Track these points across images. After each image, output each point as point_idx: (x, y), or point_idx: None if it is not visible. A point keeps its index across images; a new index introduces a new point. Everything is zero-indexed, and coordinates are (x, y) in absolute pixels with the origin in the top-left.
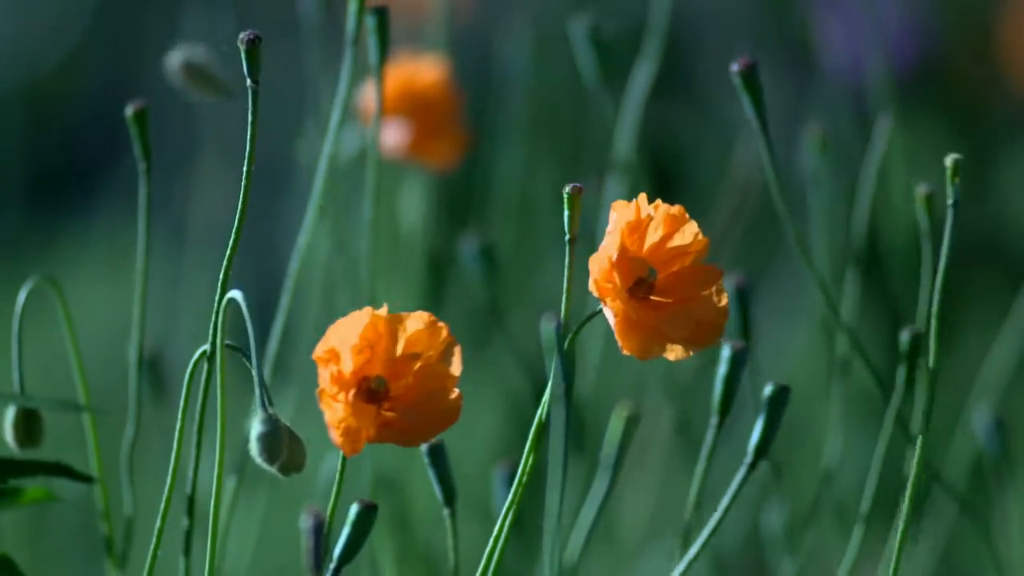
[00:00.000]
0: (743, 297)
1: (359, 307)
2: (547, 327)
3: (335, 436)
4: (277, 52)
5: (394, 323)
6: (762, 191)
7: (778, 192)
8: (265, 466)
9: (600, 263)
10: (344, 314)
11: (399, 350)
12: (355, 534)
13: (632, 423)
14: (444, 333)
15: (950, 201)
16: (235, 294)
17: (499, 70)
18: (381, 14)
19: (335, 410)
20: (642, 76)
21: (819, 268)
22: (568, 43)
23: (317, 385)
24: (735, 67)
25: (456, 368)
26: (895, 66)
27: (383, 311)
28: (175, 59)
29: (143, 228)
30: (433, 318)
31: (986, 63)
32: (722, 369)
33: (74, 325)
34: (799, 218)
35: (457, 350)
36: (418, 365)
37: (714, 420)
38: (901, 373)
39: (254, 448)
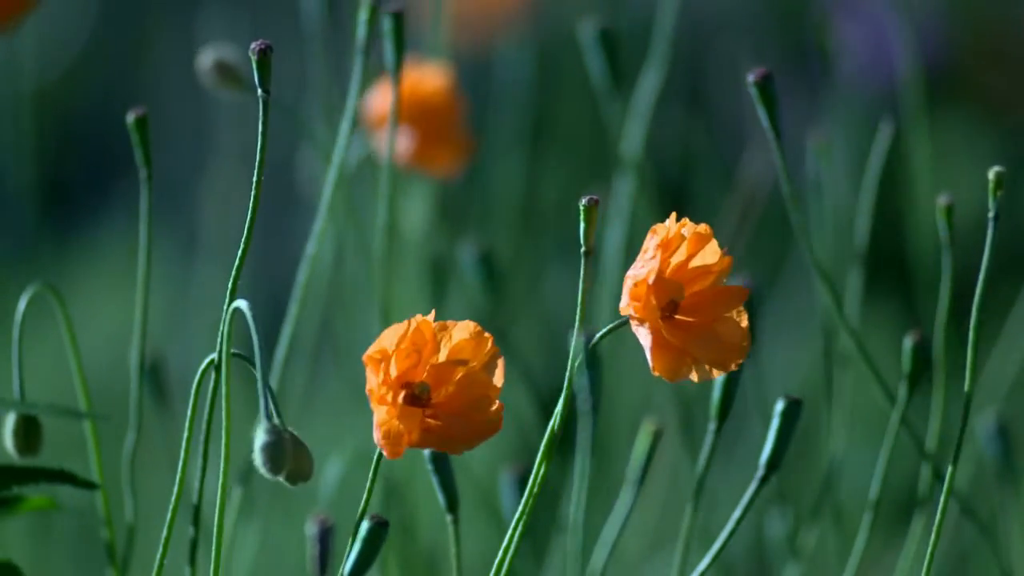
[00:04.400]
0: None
1: (367, 314)
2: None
3: (378, 437)
4: (285, 59)
5: (439, 330)
6: (768, 199)
7: (792, 204)
8: (269, 476)
9: (636, 285)
10: (350, 320)
11: (442, 357)
12: (366, 550)
13: (657, 439)
14: (489, 344)
15: (991, 214)
16: (241, 304)
17: (500, 76)
18: (397, 18)
19: (380, 412)
20: (649, 83)
21: (827, 277)
22: (570, 50)
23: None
24: (751, 77)
25: (499, 379)
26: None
27: (430, 317)
28: (207, 58)
29: (145, 235)
30: (479, 328)
31: (1005, 68)
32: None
33: (79, 332)
34: (811, 227)
35: (501, 362)
36: (461, 373)
37: (712, 426)
38: (906, 382)
39: (258, 458)
